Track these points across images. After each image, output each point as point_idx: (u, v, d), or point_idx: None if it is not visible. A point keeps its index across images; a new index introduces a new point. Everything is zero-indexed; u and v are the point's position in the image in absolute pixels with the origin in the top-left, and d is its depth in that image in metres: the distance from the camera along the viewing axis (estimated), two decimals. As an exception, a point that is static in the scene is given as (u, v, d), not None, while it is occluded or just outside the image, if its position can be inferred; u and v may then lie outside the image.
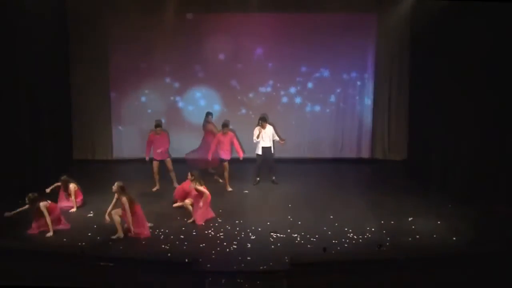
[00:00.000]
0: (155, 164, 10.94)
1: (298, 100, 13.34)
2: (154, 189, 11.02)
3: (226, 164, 11.11)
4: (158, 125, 10.98)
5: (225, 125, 11.17)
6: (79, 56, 12.75)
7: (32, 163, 10.85)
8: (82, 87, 12.97)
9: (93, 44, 12.74)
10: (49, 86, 11.52)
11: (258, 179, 11.55)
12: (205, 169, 11.52)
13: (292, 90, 13.30)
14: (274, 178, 11.58)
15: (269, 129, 11.33)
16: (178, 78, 13.21)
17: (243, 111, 13.29)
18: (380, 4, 12.59)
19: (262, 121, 11.31)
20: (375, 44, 13.00)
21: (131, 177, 11.03)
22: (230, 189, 11.12)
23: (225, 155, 11.14)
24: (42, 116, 11.27)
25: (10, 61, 10.22)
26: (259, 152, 11.35)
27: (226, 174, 11.15)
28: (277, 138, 11.46)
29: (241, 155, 11.16)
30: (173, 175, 11.10)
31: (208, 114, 12.32)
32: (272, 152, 11.42)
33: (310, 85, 13.26)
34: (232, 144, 11.18)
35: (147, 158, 11.00)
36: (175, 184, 10.85)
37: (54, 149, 11.77)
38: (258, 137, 11.26)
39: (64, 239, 8.59)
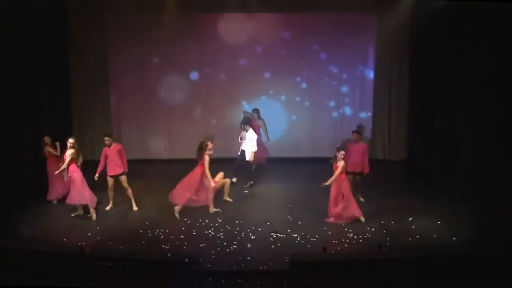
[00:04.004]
0: None
1: (297, 99, 13.33)
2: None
3: (358, 177, 10.29)
4: None
5: (357, 132, 10.40)
6: (79, 56, 12.72)
7: (32, 163, 10.83)
8: (82, 87, 12.95)
9: (93, 44, 12.71)
10: (49, 86, 11.50)
11: (251, 182, 11.26)
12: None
13: (292, 89, 13.28)
14: (247, 185, 11.21)
15: (250, 133, 10.99)
16: (178, 78, 13.15)
17: (239, 112, 13.21)
18: (380, 4, 12.55)
19: (244, 124, 11.16)
20: (375, 44, 12.98)
21: (130, 177, 10.99)
22: (362, 199, 10.32)
23: (358, 167, 10.21)
24: (42, 116, 11.24)
25: (10, 61, 10.20)
26: (238, 153, 11.26)
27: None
28: (253, 146, 11.00)
29: (366, 170, 10.21)
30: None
31: (248, 113, 12.19)
32: (246, 156, 11.03)
33: (309, 85, 13.25)
34: (363, 155, 10.19)
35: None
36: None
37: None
38: (240, 138, 11.18)
39: (64, 239, 8.59)
